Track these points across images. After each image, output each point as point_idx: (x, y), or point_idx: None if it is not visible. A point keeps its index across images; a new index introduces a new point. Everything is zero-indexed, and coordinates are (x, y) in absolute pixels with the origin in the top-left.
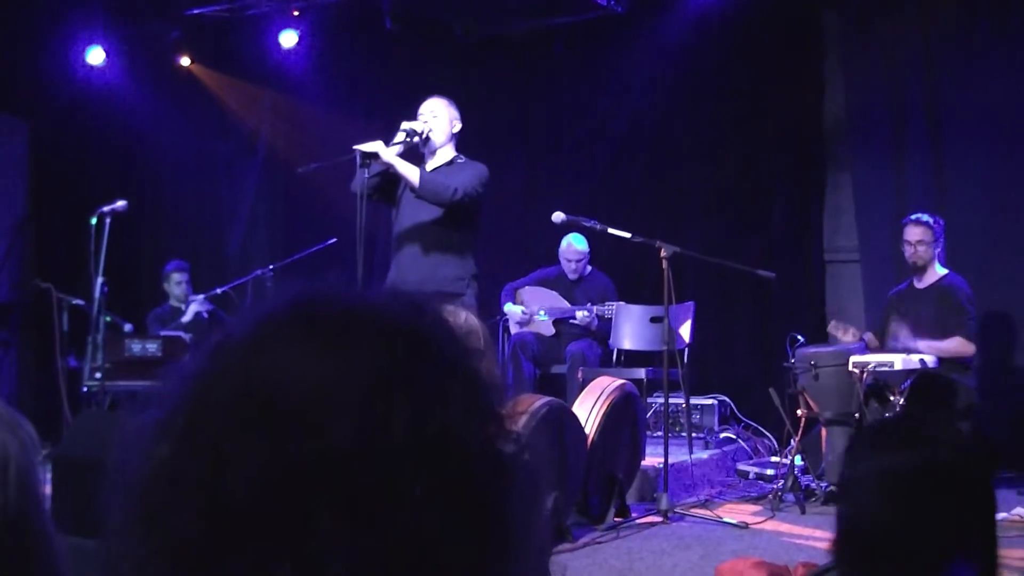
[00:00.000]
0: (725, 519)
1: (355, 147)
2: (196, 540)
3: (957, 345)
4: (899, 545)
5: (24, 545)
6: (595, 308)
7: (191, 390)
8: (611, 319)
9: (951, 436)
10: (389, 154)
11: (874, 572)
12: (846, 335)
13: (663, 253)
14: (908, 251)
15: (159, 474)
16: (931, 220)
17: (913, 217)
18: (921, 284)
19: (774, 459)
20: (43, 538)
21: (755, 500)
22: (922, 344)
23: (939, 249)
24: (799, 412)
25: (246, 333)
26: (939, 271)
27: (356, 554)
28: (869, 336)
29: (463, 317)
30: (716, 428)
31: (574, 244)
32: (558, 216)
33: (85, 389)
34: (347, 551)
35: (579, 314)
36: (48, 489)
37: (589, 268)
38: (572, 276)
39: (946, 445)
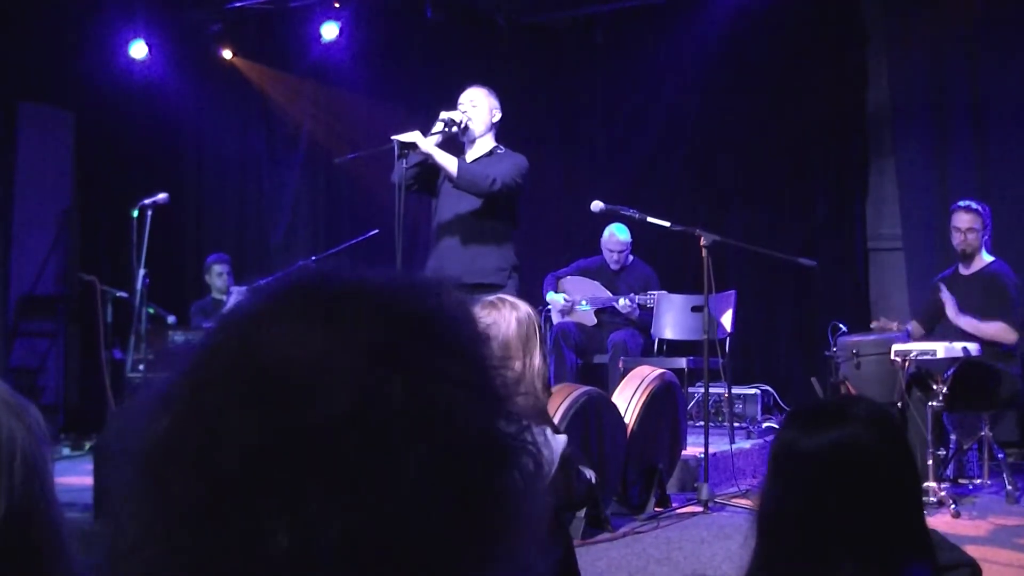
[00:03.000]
0: None
1: (393, 137)
2: (194, 507)
3: (998, 329)
4: (803, 522)
5: (30, 535)
6: (636, 298)
7: (192, 364)
8: (653, 308)
9: (872, 417)
10: (427, 144)
11: (784, 547)
12: (891, 326)
13: (702, 241)
14: (957, 238)
15: (160, 443)
16: (980, 207)
17: (963, 204)
18: (967, 271)
19: None
20: (50, 529)
21: None
22: (964, 320)
23: (986, 236)
24: None
25: (246, 310)
26: (986, 258)
27: (348, 522)
28: (913, 325)
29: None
30: (759, 417)
31: (616, 234)
32: (597, 205)
33: (128, 380)
34: (340, 519)
35: (621, 303)
36: (91, 479)
37: (631, 258)
38: (614, 266)
39: (863, 426)
